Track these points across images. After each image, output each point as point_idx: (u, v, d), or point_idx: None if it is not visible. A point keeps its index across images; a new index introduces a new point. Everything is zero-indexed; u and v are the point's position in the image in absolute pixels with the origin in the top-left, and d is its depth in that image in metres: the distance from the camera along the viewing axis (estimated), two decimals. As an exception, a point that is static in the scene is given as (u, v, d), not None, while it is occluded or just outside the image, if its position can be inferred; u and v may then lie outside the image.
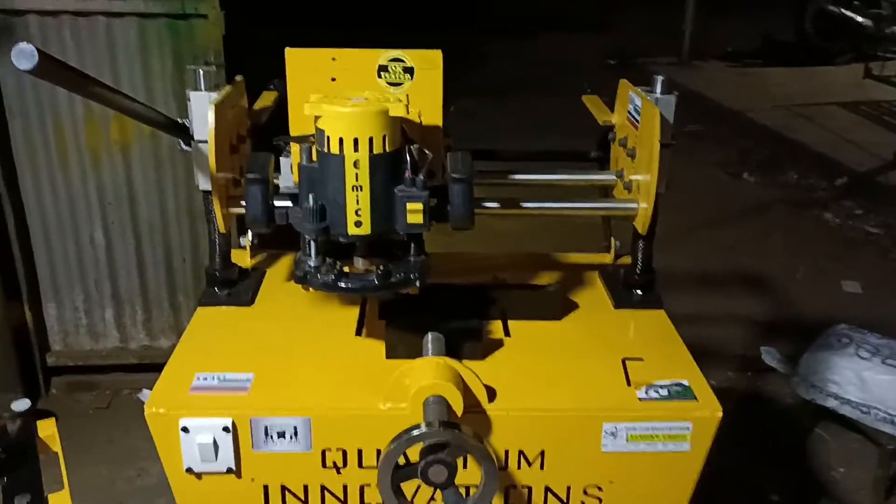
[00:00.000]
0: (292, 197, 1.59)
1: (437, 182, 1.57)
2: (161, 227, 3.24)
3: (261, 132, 1.93)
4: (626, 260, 1.94)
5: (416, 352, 1.55)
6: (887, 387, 2.93)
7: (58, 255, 3.24)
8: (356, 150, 1.40)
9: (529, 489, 1.53)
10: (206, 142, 1.64)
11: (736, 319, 4.10)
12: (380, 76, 1.61)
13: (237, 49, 3.01)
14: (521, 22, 11.97)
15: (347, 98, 1.45)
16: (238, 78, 1.83)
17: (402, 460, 1.35)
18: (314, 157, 1.47)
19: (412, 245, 1.52)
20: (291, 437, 1.47)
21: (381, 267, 1.48)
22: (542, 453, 1.50)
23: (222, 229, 1.72)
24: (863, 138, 6.97)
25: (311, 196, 1.45)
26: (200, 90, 1.69)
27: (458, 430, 1.29)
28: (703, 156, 6.55)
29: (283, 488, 1.52)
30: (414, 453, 1.37)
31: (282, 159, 1.72)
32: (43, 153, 3.08)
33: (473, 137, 1.90)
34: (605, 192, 2.03)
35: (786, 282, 4.60)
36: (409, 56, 1.60)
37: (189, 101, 1.70)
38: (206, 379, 1.53)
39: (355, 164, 1.40)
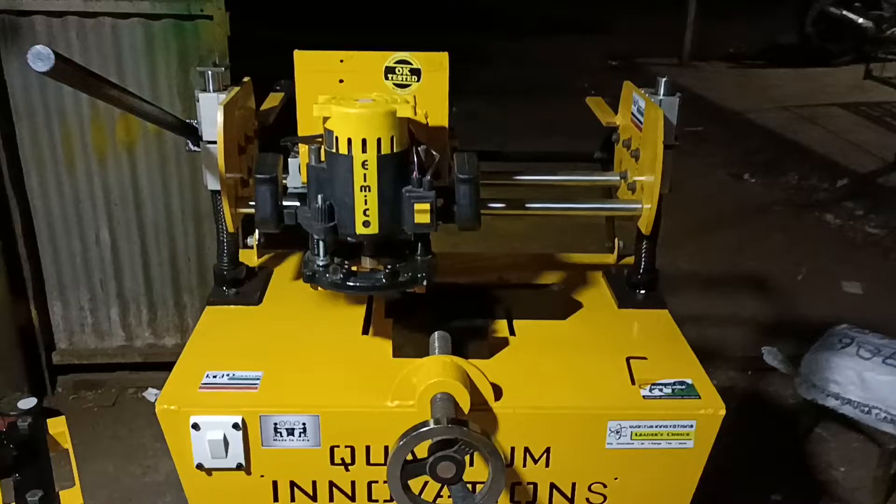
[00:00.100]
0: (300, 197, 1.61)
1: (443, 183, 1.59)
2: (166, 226, 3.26)
3: (267, 133, 1.95)
4: (630, 260, 1.97)
5: (422, 351, 1.57)
6: (888, 387, 2.94)
7: (64, 255, 3.26)
8: (364, 150, 1.42)
9: (535, 486, 1.55)
10: (214, 142, 1.66)
11: (737, 320, 4.12)
12: (387, 78, 1.63)
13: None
14: (523, 24, 11.98)
15: (355, 99, 1.47)
16: (246, 79, 1.85)
17: (409, 457, 1.37)
18: (323, 158, 1.49)
19: (419, 245, 1.54)
20: (300, 434, 1.49)
21: (389, 266, 1.50)
22: (548, 450, 1.52)
23: (231, 229, 1.74)
24: (864, 139, 6.99)
25: (319, 196, 1.47)
26: (209, 91, 1.71)
27: (466, 427, 1.31)
28: (704, 157, 6.57)
29: (293, 484, 1.54)
30: (421, 450, 1.39)
31: (289, 160, 1.74)
32: (49, 153, 3.10)
33: (477, 138, 1.92)
34: (608, 192, 2.05)
35: (787, 282, 4.62)
36: (416, 58, 1.62)
37: (198, 101, 1.72)
38: (216, 377, 1.54)
39: (364, 165, 1.42)
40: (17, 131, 3.06)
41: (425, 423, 1.33)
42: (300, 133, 1.67)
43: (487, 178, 1.72)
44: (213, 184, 1.74)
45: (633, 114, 1.82)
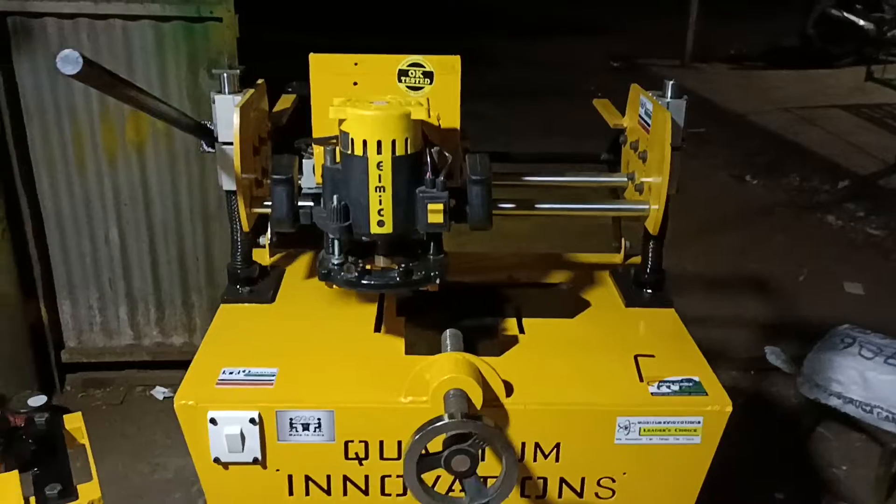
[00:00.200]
0: (314, 197, 1.64)
1: (454, 183, 1.62)
2: (175, 226, 3.29)
3: (279, 134, 1.98)
4: (636, 260, 2.00)
5: (434, 348, 1.60)
6: (890, 386, 2.97)
7: (73, 254, 3.30)
8: (379, 152, 1.45)
9: (545, 480, 1.58)
10: (230, 143, 1.69)
11: (740, 320, 4.15)
12: (400, 80, 1.66)
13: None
14: (525, 25, 12.02)
15: (370, 102, 1.50)
16: (259, 81, 1.88)
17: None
18: (338, 159, 1.52)
19: (431, 244, 1.57)
20: (315, 429, 1.52)
21: (402, 265, 1.54)
22: (558, 446, 1.55)
23: (246, 228, 1.77)
24: (864, 141, 7.03)
25: (335, 196, 1.50)
26: (225, 93, 1.74)
27: (481, 422, 1.34)
28: (706, 158, 6.61)
29: (307, 478, 1.57)
30: (433, 445, 1.41)
31: (303, 161, 1.77)
32: (60, 153, 3.13)
33: (481, 138, 1.95)
34: (614, 193, 2.08)
35: (789, 283, 4.65)
36: (429, 61, 1.65)
37: (213, 103, 1.74)
38: (232, 373, 1.58)
39: (378, 166, 1.45)
40: (27, 131, 3.09)
41: (440, 418, 1.36)
42: (315, 134, 1.70)
43: (496, 178, 1.74)
44: (228, 184, 1.76)
45: (640, 116, 1.85)
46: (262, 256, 2.02)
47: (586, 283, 1.98)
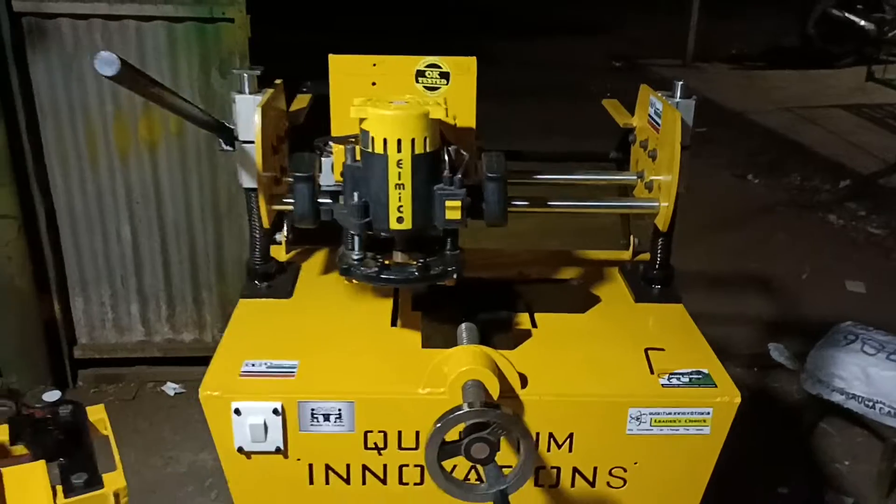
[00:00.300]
0: (332, 194, 1.68)
1: (470, 181, 1.66)
2: (186, 224, 3.33)
3: (295, 133, 2.03)
4: (644, 257, 2.04)
5: (450, 341, 1.64)
6: (892, 382, 3.02)
7: (86, 251, 3.34)
8: (399, 150, 1.49)
9: (558, 470, 1.63)
10: (251, 142, 1.73)
11: (743, 318, 4.19)
12: (417, 81, 1.71)
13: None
14: (525, 25, 12.05)
15: (390, 101, 1.55)
16: (278, 81, 1.92)
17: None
18: (358, 157, 1.56)
19: (448, 240, 1.62)
20: (336, 420, 1.56)
21: (420, 260, 1.58)
22: (571, 436, 1.59)
23: (266, 225, 1.81)
24: (865, 141, 7.08)
25: (355, 193, 1.54)
26: (245, 93, 1.79)
27: (500, 410, 1.39)
28: (708, 157, 6.64)
29: (327, 467, 1.61)
30: (450, 436, 1.46)
31: (322, 159, 1.81)
32: (73, 152, 3.18)
33: (485, 138, 2.00)
34: (623, 191, 2.12)
35: (791, 282, 4.69)
36: (445, 62, 1.70)
37: (234, 103, 1.79)
38: (254, 365, 1.62)
39: (398, 164, 1.50)
40: (42, 130, 3.13)
41: (460, 407, 1.40)
42: (334, 133, 1.74)
43: (509, 176, 1.79)
44: (248, 182, 1.81)
45: (650, 116, 1.90)
46: (279, 253, 2.06)
47: (596, 279, 2.02)
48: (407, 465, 1.62)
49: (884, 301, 4.43)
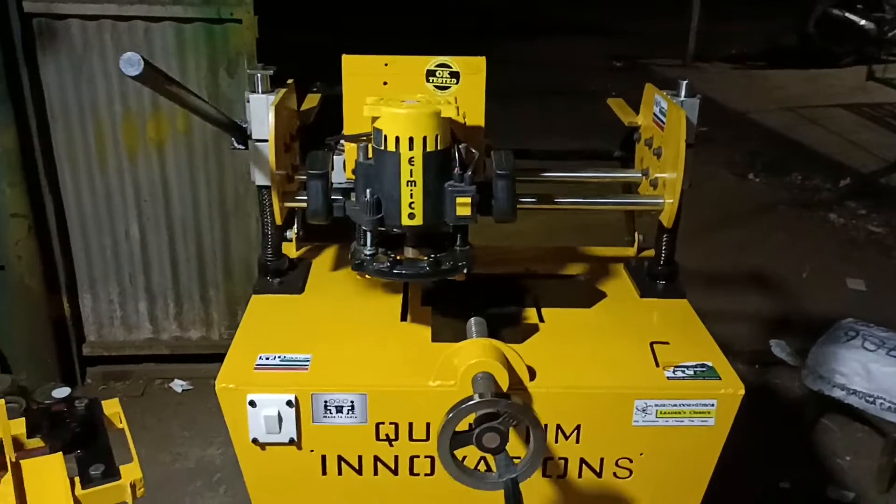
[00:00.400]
0: (344, 191, 1.72)
1: (479, 179, 1.70)
2: (193, 223, 3.37)
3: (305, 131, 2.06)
4: (649, 253, 2.08)
5: (459, 335, 1.68)
6: (892, 378, 3.05)
7: (94, 250, 3.38)
8: (411, 148, 1.53)
9: (566, 461, 1.66)
10: (264, 141, 1.77)
11: (744, 316, 4.23)
12: (428, 80, 1.74)
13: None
14: (525, 25, 12.09)
15: (402, 100, 1.58)
16: (289, 81, 1.96)
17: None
18: (370, 155, 1.60)
19: (458, 236, 1.66)
20: (349, 412, 1.59)
21: (431, 256, 1.62)
22: (578, 427, 1.63)
23: (279, 221, 1.84)
24: (866, 140, 7.12)
25: (368, 190, 1.58)
26: (258, 93, 1.82)
27: (510, 400, 1.43)
28: (708, 157, 6.68)
29: (340, 458, 1.65)
30: (460, 426, 1.49)
31: (334, 157, 1.84)
32: (82, 151, 3.22)
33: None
34: (627, 188, 2.16)
35: (792, 280, 4.73)
36: (456, 62, 1.73)
37: (248, 102, 1.82)
38: (268, 358, 1.65)
39: (410, 161, 1.53)
40: (51, 130, 3.17)
41: (472, 398, 1.44)
42: (346, 132, 1.78)
43: (517, 174, 1.82)
44: (261, 179, 1.84)
45: (655, 114, 1.93)
46: (290, 250, 2.09)
47: (602, 274, 2.06)
48: (418, 457, 1.65)
49: (884, 298, 4.47)
